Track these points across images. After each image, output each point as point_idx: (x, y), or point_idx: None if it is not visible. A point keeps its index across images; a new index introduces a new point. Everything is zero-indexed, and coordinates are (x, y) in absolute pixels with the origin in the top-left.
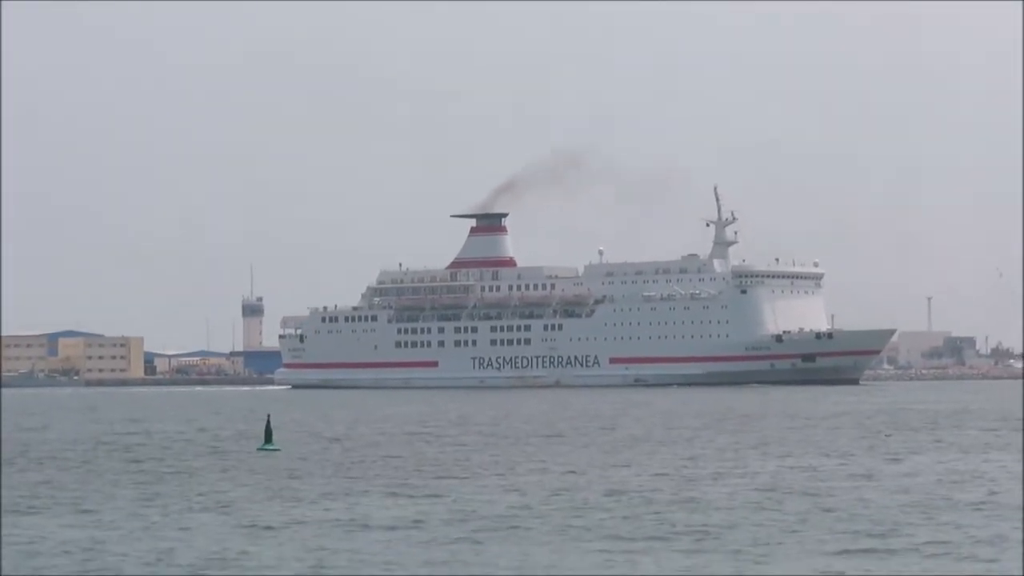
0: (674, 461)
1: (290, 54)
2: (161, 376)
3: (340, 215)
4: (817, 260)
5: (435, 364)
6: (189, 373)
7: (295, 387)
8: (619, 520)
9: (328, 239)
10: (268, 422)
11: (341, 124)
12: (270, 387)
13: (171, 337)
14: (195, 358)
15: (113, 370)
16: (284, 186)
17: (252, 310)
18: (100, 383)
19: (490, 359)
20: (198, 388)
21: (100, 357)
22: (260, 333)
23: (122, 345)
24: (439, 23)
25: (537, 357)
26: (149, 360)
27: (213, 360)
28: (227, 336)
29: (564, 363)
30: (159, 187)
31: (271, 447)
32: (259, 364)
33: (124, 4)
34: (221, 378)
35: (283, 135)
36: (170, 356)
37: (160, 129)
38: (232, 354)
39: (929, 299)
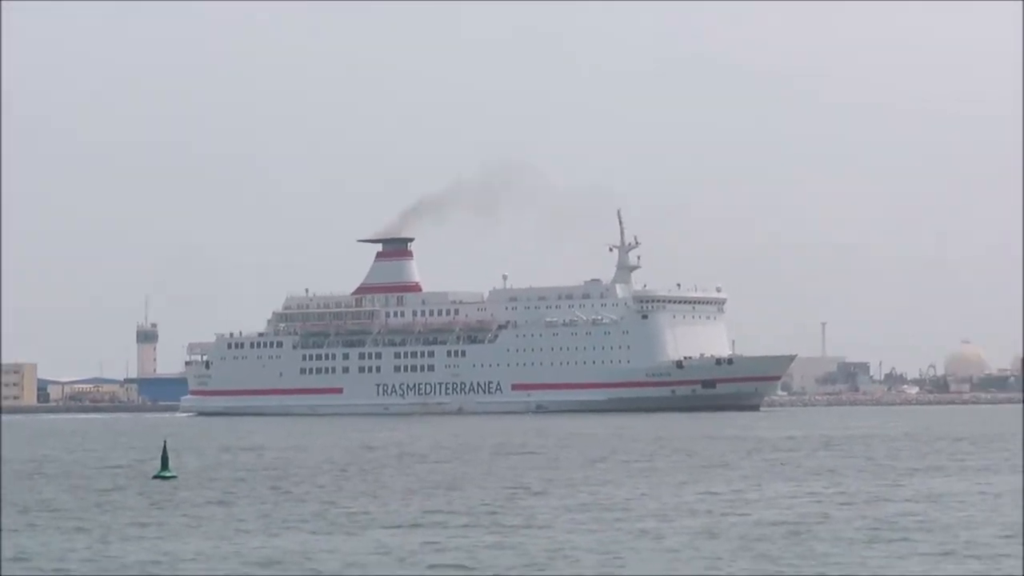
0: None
1: (201, 67)
2: (55, 403)
3: (248, 239)
4: (719, 285)
5: (340, 391)
6: (82, 400)
7: (201, 414)
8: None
9: (235, 264)
10: (164, 449)
11: (247, 145)
12: (167, 415)
13: (65, 364)
14: (89, 385)
15: (6, 397)
16: (189, 207)
17: (146, 336)
18: None
19: (394, 386)
20: (93, 416)
21: None
22: (154, 360)
23: (15, 372)
24: (349, 39)
25: (440, 383)
26: (42, 387)
27: (107, 387)
28: (121, 363)
29: (467, 389)
30: (52, 209)
31: (168, 474)
32: (153, 391)
33: None
34: (115, 405)
35: (187, 156)
36: (64, 383)
37: (53, 152)
38: (126, 381)
39: (823, 324)
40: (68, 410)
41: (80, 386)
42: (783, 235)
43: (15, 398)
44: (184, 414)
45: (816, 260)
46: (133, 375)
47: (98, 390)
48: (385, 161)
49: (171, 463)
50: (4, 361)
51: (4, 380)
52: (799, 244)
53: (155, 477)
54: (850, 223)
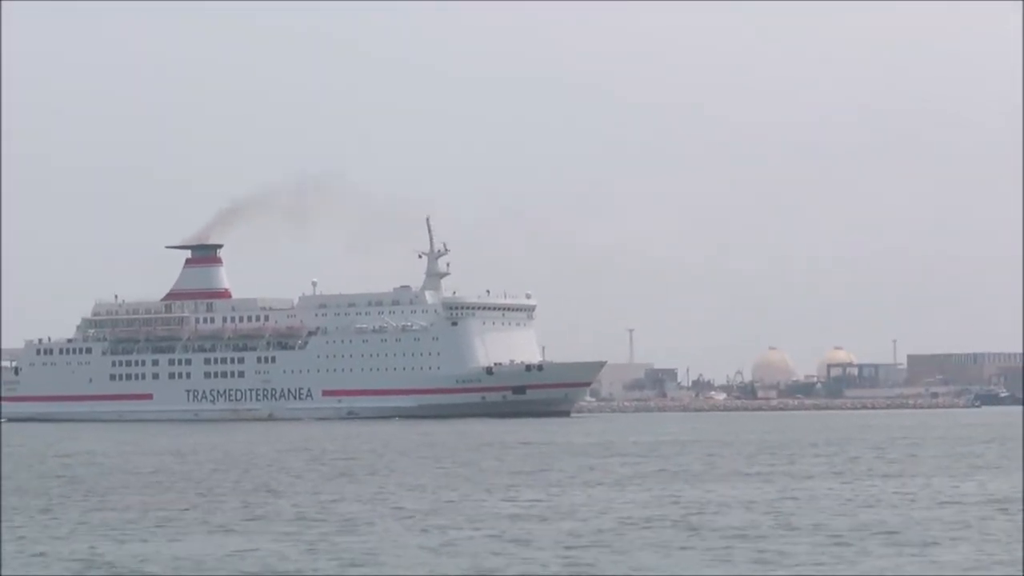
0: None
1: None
2: None
3: (55, 242)
4: (529, 292)
5: (150, 397)
6: None
7: (10, 420)
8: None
9: (44, 269)
10: None
11: (51, 145)
12: None
13: None
14: None
15: None
16: None
17: None
18: None
19: (204, 392)
20: None
21: None
22: None
23: None
24: (158, 36)
25: (251, 390)
26: None
27: None
28: None
29: (278, 395)
30: None
31: None
32: None
33: None
34: None
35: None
36: None
37: None
38: None
39: (631, 331)
40: None
41: None
42: (591, 243)
43: None
44: None
45: (623, 268)
46: None
47: None
48: (195, 166)
49: None
50: None
51: None
52: (606, 252)
53: None
54: (656, 232)
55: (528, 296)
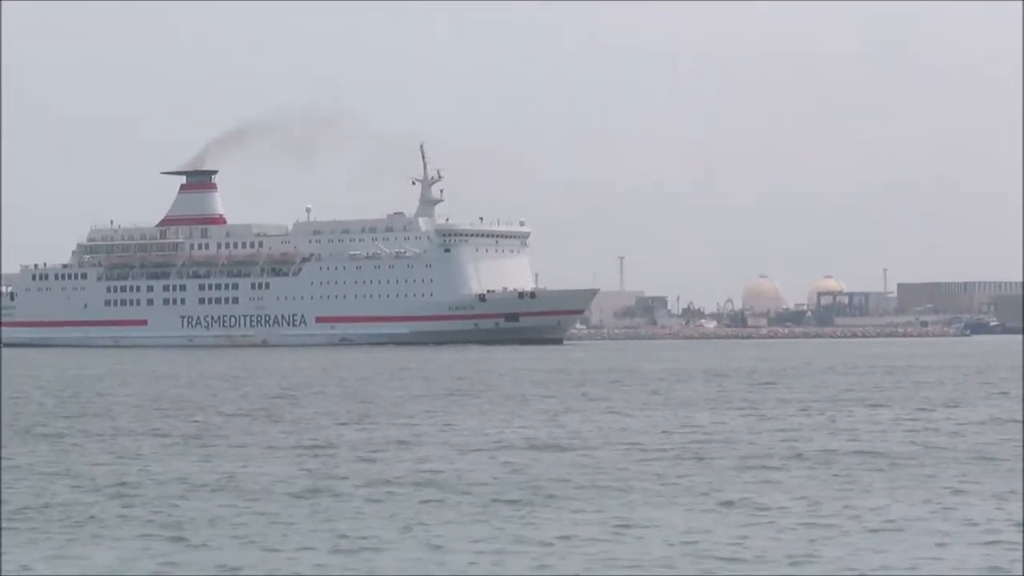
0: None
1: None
2: None
3: (52, 169)
4: (523, 220)
5: (144, 323)
6: None
7: (6, 345)
8: None
9: (41, 194)
10: None
11: (50, 75)
12: None
13: None
14: None
15: None
16: None
17: None
18: None
19: (198, 318)
20: None
21: None
22: None
23: None
24: None
25: (245, 316)
26: None
27: None
28: None
29: (271, 322)
30: None
31: None
32: None
33: None
34: None
35: None
36: None
37: None
38: None
39: (621, 259)
40: None
41: None
42: (583, 174)
43: None
44: None
45: (614, 197)
46: None
47: None
48: (193, 93)
49: None
50: None
51: None
52: (598, 182)
53: None
54: (648, 163)
55: (522, 223)
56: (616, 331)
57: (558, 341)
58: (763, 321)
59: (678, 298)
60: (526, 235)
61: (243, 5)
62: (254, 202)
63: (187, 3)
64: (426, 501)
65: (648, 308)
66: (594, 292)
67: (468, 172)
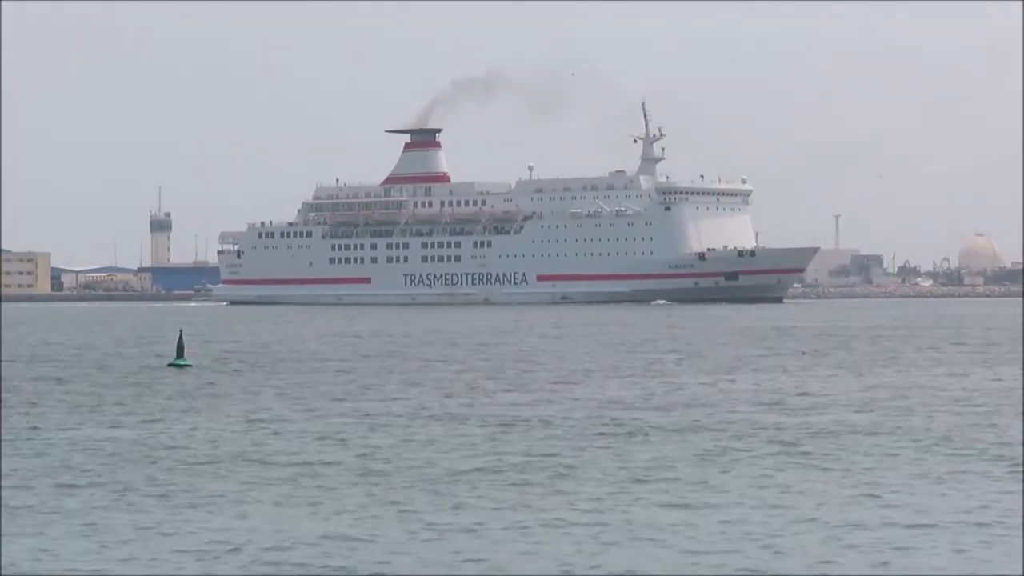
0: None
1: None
2: (69, 292)
3: (285, 128)
4: (745, 177)
5: (368, 280)
6: (96, 289)
7: (233, 303)
8: None
9: (267, 153)
10: (180, 338)
11: (279, 40)
12: (193, 304)
13: (78, 252)
14: (103, 274)
15: (20, 286)
16: (219, 103)
17: (160, 226)
18: (7, 299)
19: (421, 276)
20: (110, 304)
21: (7, 272)
22: (168, 249)
23: (29, 260)
24: None
25: (467, 274)
26: (56, 276)
27: (121, 276)
28: (135, 252)
29: (493, 280)
30: (67, 101)
31: (183, 362)
32: (167, 280)
33: None
34: (129, 294)
35: (217, 54)
36: (77, 272)
37: (69, 44)
38: (140, 270)
39: (837, 217)
40: (82, 299)
41: (94, 275)
42: (798, 132)
43: (29, 286)
44: (217, 303)
45: (830, 156)
46: (147, 264)
47: (112, 279)
48: (417, 54)
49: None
50: (17, 249)
51: (18, 268)
52: (813, 141)
53: (170, 365)
54: (861, 122)
55: (744, 181)
56: (831, 289)
57: (778, 300)
58: (979, 279)
59: (894, 256)
60: (747, 193)
61: None
62: (478, 160)
63: None
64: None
65: (864, 266)
66: (815, 250)
67: (693, 131)
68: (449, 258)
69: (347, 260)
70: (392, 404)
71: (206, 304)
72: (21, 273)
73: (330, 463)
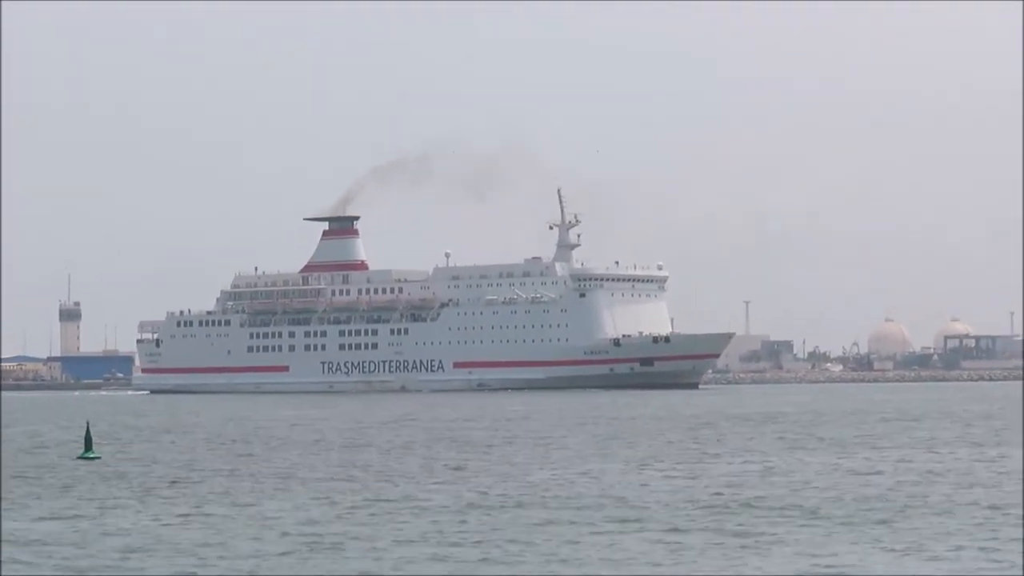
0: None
1: (150, 40)
2: None
3: (198, 216)
4: (661, 263)
5: (286, 369)
6: (6, 378)
7: (153, 392)
8: None
9: (186, 243)
10: (87, 429)
11: (199, 123)
12: (94, 392)
13: None
14: (12, 364)
15: None
16: (134, 184)
17: (69, 315)
18: None
19: (339, 363)
20: (23, 394)
21: None
22: (78, 338)
23: None
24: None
25: (384, 361)
26: None
27: (30, 365)
28: (44, 341)
29: (410, 367)
30: None
31: (91, 455)
32: (77, 369)
33: None
34: (39, 384)
35: (133, 131)
36: None
37: None
38: (50, 359)
39: (747, 303)
40: None
41: (4, 364)
42: (712, 214)
43: None
44: (136, 392)
45: (741, 238)
46: (56, 353)
47: (21, 368)
48: (333, 139)
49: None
50: None
51: None
52: (725, 223)
53: (79, 458)
54: (775, 203)
55: (660, 267)
56: (742, 375)
57: (693, 386)
58: (889, 364)
59: (804, 342)
60: (664, 279)
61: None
62: (394, 247)
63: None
64: None
65: (774, 352)
66: (730, 336)
67: (608, 211)
68: (366, 345)
69: (265, 348)
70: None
71: (127, 393)
72: None
73: None
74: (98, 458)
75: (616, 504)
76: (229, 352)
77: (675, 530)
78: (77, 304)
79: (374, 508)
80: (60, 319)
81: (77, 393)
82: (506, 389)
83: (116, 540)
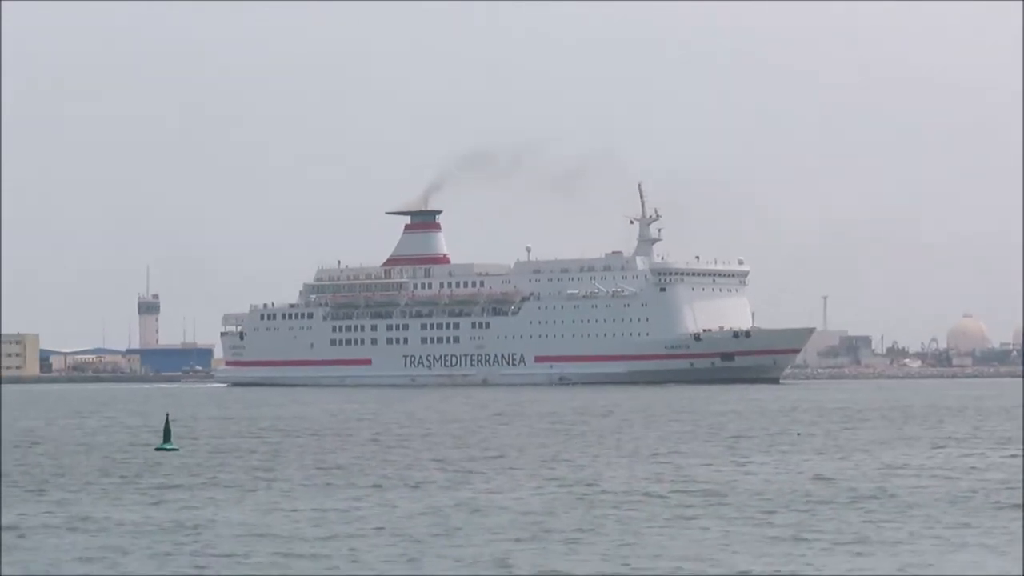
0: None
1: (211, 53)
2: (57, 374)
3: (287, 210)
4: (742, 257)
5: (368, 362)
6: (85, 371)
7: (234, 384)
8: None
9: (269, 235)
10: (167, 421)
11: (279, 119)
12: (199, 385)
13: (67, 334)
14: (91, 356)
15: (8, 367)
16: (211, 187)
17: (148, 308)
18: None
19: (421, 357)
20: (94, 385)
21: None
22: (156, 331)
23: (17, 342)
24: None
25: (466, 355)
26: (45, 357)
27: (109, 358)
28: (123, 334)
29: (491, 361)
30: (57, 181)
31: (169, 446)
32: (156, 362)
33: None
34: (117, 376)
35: (217, 132)
36: (66, 353)
37: (66, 121)
38: (128, 351)
39: (825, 298)
40: (71, 380)
41: (82, 356)
42: (786, 211)
43: (17, 368)
44: (218, 384)
45: (819, 235)
46: (135, 346)
47: (100, 360)
48: (417, 135)
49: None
50: (5, 331)
51: (6, 350)
52: (804, 220)
53: (157, 449)
54: (853, 200)
55: (740, 262)
56: (820, 370)
57: (774, 380)
58: (968, 360)
59: (882, 337)
60: (745, 273)
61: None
62: (475, 241)
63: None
64: None
65: (852, 347)
66: (811, 331)
67: (691, 209)
68: (448, 339)
69: (348, 342)
70: None
71: (211, 386)
72: (9, 355)
73: None
74: (176, 450)
75: None
76: (312, 345)
77: None
78: (156, 297)
79: None
80: (139, 312)
81: (162, 385)
82: (587, 383)
83: None
